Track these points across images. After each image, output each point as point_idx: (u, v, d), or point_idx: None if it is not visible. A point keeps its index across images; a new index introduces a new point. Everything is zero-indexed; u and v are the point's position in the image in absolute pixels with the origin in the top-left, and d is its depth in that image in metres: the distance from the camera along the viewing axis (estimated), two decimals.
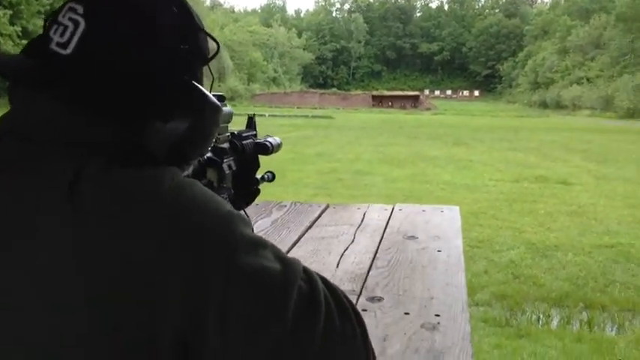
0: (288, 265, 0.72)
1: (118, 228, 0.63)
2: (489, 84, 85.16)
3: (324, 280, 0.77)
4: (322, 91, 62.72)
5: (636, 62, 47.23)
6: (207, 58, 0.80)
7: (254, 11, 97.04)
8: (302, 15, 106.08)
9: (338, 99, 54.42)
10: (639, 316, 4.40)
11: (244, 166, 1.20)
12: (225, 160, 1.10)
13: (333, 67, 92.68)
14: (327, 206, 1.95)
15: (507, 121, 33.94)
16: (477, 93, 78.53)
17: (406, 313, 1.04)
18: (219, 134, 1.09)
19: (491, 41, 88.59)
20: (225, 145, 1.11)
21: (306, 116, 32.20)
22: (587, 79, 52.35)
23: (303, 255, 1.40)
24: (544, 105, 54.99)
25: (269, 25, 75.91)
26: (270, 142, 1.27)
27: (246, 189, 1.24)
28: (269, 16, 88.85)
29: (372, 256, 1.41)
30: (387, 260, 1.36)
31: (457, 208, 1.88)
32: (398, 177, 10.71)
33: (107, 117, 0.70)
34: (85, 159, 0.67)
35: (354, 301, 0.78)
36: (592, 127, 29.08)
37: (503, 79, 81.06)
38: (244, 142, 1.20)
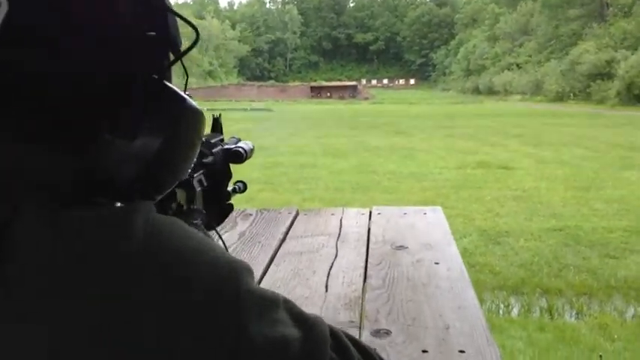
0: (311, 330, 0.53)
1: (61, 314, 0.42)
2: (424, 72, 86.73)
3: (355, 342, 0.58)
4: (260, 83, 62.03)
5: (562, 47, 49.15)
6: (179, 48, 0.59)
7: (185, 3, 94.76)
8: (235, 7, 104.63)
9: (276, 91, 53.99)
10: (595, 300, 4.45)
11: (215, 180, 0.98)
12: (195, 176, 0.89)
13: (270, 59, 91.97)
14: (298, 213, 1.75)
15: (443, 107, 34.63)
16: (412, 81, 79.85)
17: (424, 351, 0.86)
18: None
19: (424, 30, 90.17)
20: None
21: (245, 109, 31.73)
22: (517, 65, 54.11)
23: (284, 277, 1.21)
24: (477, 91, 56.48)
25: (202, 18, 74.30)
26: (242, 148, 1.06)
27: (217, 206, 1.02)
28: (202, 8, 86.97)
29: (362, 272, 1.23)
30: (382, 278, 1.18)
31: (440, 208, 1.72)
32: (343, 169, 10.62)
33: (42, 137, 0.48)
34: (14, 197, 0.45)
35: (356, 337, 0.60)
36: (524, 111, 30.06)
37: (437, 67, 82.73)
38: (214, 150, 0.99)
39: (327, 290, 1.14)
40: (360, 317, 1.00)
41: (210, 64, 64.89)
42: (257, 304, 0.49)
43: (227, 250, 0.92)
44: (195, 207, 0.87)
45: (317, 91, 53.62)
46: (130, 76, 0.51)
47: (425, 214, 1.68)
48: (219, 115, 1.12)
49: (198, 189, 0.89)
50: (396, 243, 1.41)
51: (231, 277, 0.48)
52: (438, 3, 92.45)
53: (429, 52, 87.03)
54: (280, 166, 10.72)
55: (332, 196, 8.09)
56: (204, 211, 0.91)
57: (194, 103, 0.56)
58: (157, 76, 0.53)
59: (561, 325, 3.93)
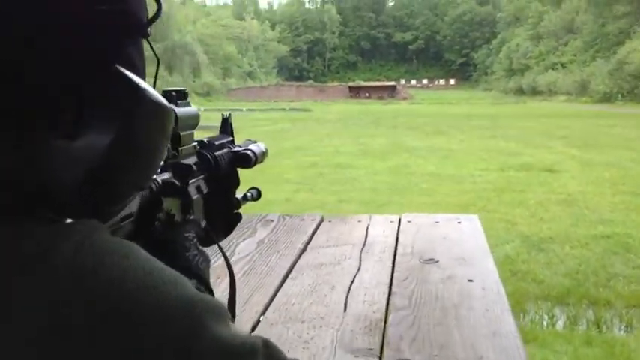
0: None
1: None
2: (465, 72, 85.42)
3: None
4: (298, 83, 62.15)
5: (609, 46, 47.66)
6: (143, 24, 0.48)
7: (226, 5, 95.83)
8: (274, 7, 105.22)
9: (315, 91, 53.98)
10: None
11: (220, 186, 0.88)
12: (191, 182, 0.78)
13: (309, 59, 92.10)
14: (322, 220, 1.64)
15: (485, 108, 33.98)
16: (452, 81, 78.72)
17: None
18: (181, 145, 0.77)
19: (465, 29, 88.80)
20: (191, 161, 0.79)
21: (284, 109, 31.82)
22: (562, 65, 52.72)
23: (300, 292, 1.10)
24: (520, 91, 55.26)
25: (241, 19, 74.94)
26: (252, 151, 0.95)
27: (223, 216, 0.92)
28: (241, 9, 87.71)
29: (386, 290, 1.11)
30: (407, 297, 1.06)
31: (476, 217, 1.58)
32: (380, 170, 10.46)
33: None
34: None
35: None
36: (569, 112, 29.22)
37: (478, 66, 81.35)
38: (218, 153, 0.88)
39: (345, 309, 1.02)
40: (381, 344, 0.89)
41: (250, 64, 65.42)
42: (226, 355, 0.38)
43: (230, 268, 0.81)
44: (191, 218, 0.77)
45: (355, 91, 53.39)
46: (70, 58, 0.40)
47: (459, 223, 1.55)
48: (229, 115, 1.01)
49: (196, 196, 0.79)
50: (426, 255, 1.29)
51: (186, 321, 0.37)
52: (479, 1, 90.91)
53: (470, 52, 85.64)
54: (317, 166, 10.64)
55: (368, 197, 7.95)
56: (202, 223, 0.80)
57: (156, 95, 0.45)
58: (107, 59, 0.42)
59: (609, 338, 3.70)
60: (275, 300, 1.08)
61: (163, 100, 0.46)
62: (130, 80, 0.43)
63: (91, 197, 0.42)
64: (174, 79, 42.14)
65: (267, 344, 0.43)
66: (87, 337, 0.35)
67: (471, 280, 1.14)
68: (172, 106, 0.49)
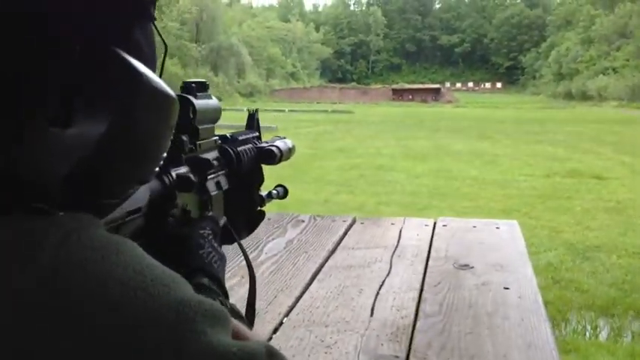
0: None
1: None
2: (512, 76, 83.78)
3: None
4: (341, 85, 62.09)
5: None
6: (147, 6, 0.45)
7: (272, 6, 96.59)
8: (320, 9, 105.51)
9: (358, 93, 53.84)
10: None
11: (242, 183, 0.85)
12: (210, 177, 0.76)
13: (352, 61, 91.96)
14: (354, 221, 1.59)
15: (532, 113, 33.24)
16: (499, 85, 77.26)
17: None
18: (200, 139, 0.74)
19: (513, 32, 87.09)
20: (211, 155, 0.76)
21: (326, 111, 31.85)
22: (613, 69, 51.19)
23: (326, 295, 1.06)
24: (569, 96, 53.85)
25: (287, 20, 75.42)
26: (277, 147, 0.92)
27: (246, 213, 0.89)
28: (287, 11, 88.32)
29: (416, 295, 1.06)
30: (438, 303, 1.01)
31: (515, 222, 1.51)
32: (421, 172, 10.33)
33: None
34: None
35: None
36: (620, 117, 28.29)
37: (526, 70, 79.68)
38: (241, 148, 0.85)
39: (372, 314, 0.98)
40: (408, 352, 0.84)
41: (294, 66, 65.80)
42: None
43: (251, 268, 0.78)
44: (209, 214, 0.74)
45: (399, 94, 53.01)
46: (62, 39, 0.38)
47: (498, 228, 1.48)
48: (256, 110, 0.98)
49: (215, 192, 0.76)
50: (460, 261, 1.23)
51: (175, 325, 0.34)
52: (528, 4, 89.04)
53: (518, 55, 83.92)
54: (358, 168, 10.59)
55: (409, 200, 7.86)
56: (221, 220, 0.77)
57: (156, 80, 0.42)
58: (104, 40, 0.40)
59: None
60: (300, 302, 1.05)
61: (165, 87, 0.43)
62: (128, 64, 0.40)
63: (83, 188, 0.40)
64: (219, 79, 42.72)
65: (271, 353, 0.39)
66: (62, 341, 0.32)
67: (507, 288, 1.08)
68: (178, 95, 0.47)
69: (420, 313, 0.97)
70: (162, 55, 0.53)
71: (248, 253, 0.80)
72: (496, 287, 1.08)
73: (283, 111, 28.98)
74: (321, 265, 1.24)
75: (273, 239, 1.40)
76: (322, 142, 13.88)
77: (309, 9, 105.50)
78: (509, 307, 0.99)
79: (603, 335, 3.94)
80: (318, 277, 1.17)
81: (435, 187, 8.95)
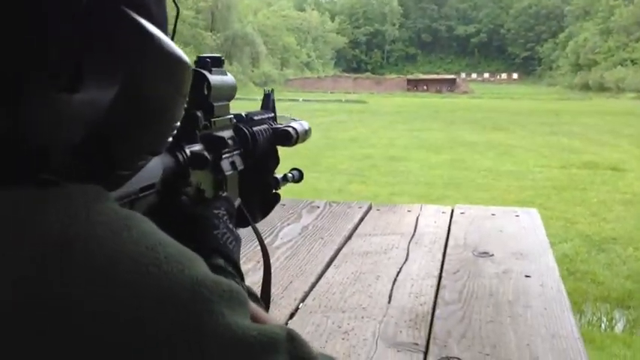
0: None
1: None
2: (528, 66, 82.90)
3: None
4: (356, 75, 61.82)
5: None
6: None
7: None
8: None
9: (372, 83, 53.59)
10: None
11: (257, 164, 0.83)
12: (225, 156, 0.73)
13: (367, 51, 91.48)
14: (370, 207, 1.57)
15: (548, 104, 32.91)
16: (515, 76, 76.46)
17: None
18: (214, 116, 0.72)
19: (531, 22, 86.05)
20: (226, 134, 0.74)
21: (340, 101, 31.77)
22: (632, 61, 50.48)
23: (343, 281, 1.04)
24: (586, 87, 53.21)
25: (302, 9, 75.12)
26: (293, 128, 0.89)
27: (261, 195, 0.87)
28: (302, 0, 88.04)
29: (435, 283, 1.04)
30: (458, 291, 0.98)
31: (535, 211, 1.48)
32: (435, 163, 10.28)
33: None
34: None
35: None
36: (638, 109, 27.89)
37: (543, 61, 78.80)
38: (257, 128, 0.83)
39: (390, 301, 0.96)
40: (427, 339, 0.82)
41: (308, 55, 65.60)
42: (238, 348, 0.33)
43: (265, 251, 0.76)
44: (223, 194, 0.72)
45: (413, 84, 52.69)
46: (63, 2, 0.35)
47: (517, 216, 1.45)
48: (272, 90, 0.96)
49: (230, 172, 0.74)
50: (479, 249, 1.20)
51: (191, 306, 0.32)
52: None
53: (535, 46, 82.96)
54: (371, 158, 10.55)
55: (422, 191, 7.81)
56: (236, 201, 0.75)
57: (169, 43, 0.40)
58: (114, 1, 0.37)
59: None
60: (316, 288, 1.03)
61: (178, 51, 0.41)
62: (138, 24, 0.38)
63: (93, 158, 0.38)
64: (234, 68, 42.70)
65: (292, 337, 0.37)
66: (64, 325, 0.30)
67: (528, 276, 1.05)
68: (190, 63, 0.44)
69: (439, 301, 0.95)
70: (174, 18, 0.50)
71: (263, 238, 0.78)
72: (517, 276, 1.06)
73: (297, 100, 28.91)
74: (337, 251, 1.22)
75: (288, 225, 1.38)
76: (335, 132, 13.83)
77: None
78: (531, 296, 0.96)
79: (619, 327, 3.90)
80: (334, 263, 1.15)
81: (449, 177, 8.90)
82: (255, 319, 0.38)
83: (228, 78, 0.73)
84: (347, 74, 62.93)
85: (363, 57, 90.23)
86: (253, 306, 0.42)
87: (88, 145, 0.37)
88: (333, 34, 77.21)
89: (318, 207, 1.54)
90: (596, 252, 5.40)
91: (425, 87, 51.27)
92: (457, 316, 0.89)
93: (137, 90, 0.38)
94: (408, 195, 7.44)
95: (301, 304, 0.95)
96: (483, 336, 0.82)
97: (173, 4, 0.49)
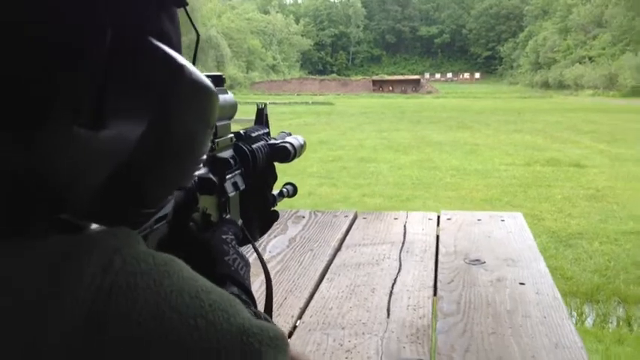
0: None
1: None
2: (490, 66, 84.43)
3: None
4: (322, 77, 61.90)
5: (638, 40, 46.69)
6: None
7: None
8: (299, 1, 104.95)
9: (338, 85, 53.76)
10: None
11: (256, 182, 0.81)
12: (228, 177, 0.71)
13: (332, 53, 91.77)
14: (356, 216, 1.55)
15: (510, 102, 33.55)
16: (477, 75, 77.77)
17: None
18: (218, 137, 0.69)
19: (491, 22, 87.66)
20: (228, 154, 0.72)
21: (307, 103, 31.78)
22: (590, 58, 51.87)
23: (339, 296, 1.02)
24: (546, 85, 54.44)
25: (266, 12, 74.90)
26: (290, 144, 0.87)
27: (260, 213, 0.84)
28: (266, 2, 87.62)
29: (431, 294, 1.03)
30: (455, 302, 0.98)
31: (520, 214, 1.49)
32: (404, 164, 10.37)
33: None
34: None
35: None
36: (596, 106, 28.70)
37: (504, 60, 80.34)
38: (255, 145, 0.81)
39: (388, 315, 0.94)
40: (431, 355, 0.81)
41: (274, 58, 65.46)
42: None
43: (267, 271, 0.74)
44: (228, 217, 0.69)
45: (379, 85, 53.06)
46: (87, 25, 0.33)
47: (503, 220, 1.46)
48: (264, 105, 0.94)
49: (232, 193, 0.71)
50: (471, 256, 1.20)
51: (240, 357, 0.30)
52: None
53: (496, 45, 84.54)
54: (340, 160, 10.59)
55: (392, 191, 7.87)
56: (239, 222, 0.73)
57: (197, 73, 0.38)
58: (137, 31, 0.35)
59: None
60: (312, 303, 1.01)
61: (206, 80, 0.38)
62: (166, 55, 0.35)
63: (120, 199, 0.35)
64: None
65: None
66: None
67: (522, 284, 1.05)
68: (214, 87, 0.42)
69: (438, 313, 0.94)
70: (195, 44, 0.48)
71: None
72: (511, 283, 1.06)
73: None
74: (329, 264, 1.20)
75: (275, 237, 1.36)
76: (304, 135, 13.73)
77: (289, 1, 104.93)
78: (528, 305, 0.96)
79: (589, 322, 3.98)
80: (327, 276, 1.13)
81: (417, 177, 8.98)
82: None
83: (229, 97, 0.71)
84: (313, 76, 62.97)
85: (329, 59, 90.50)
86: (294, 350, 0.40)
87: (115, 184, 0.34)
88: (298, 37, 77.19)
89: (303, 217, 1.52)
90: (564, 247, 5.51)
91: (390, 88, 51.70)
92: (458, 329, 0.88)
93: (167, 125, 0.35)
94: (379, 196, 7.48)
95: (299, 322, 0.93)
96: (487, 349, 0.81)
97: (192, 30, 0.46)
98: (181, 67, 0.36)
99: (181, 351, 0.29)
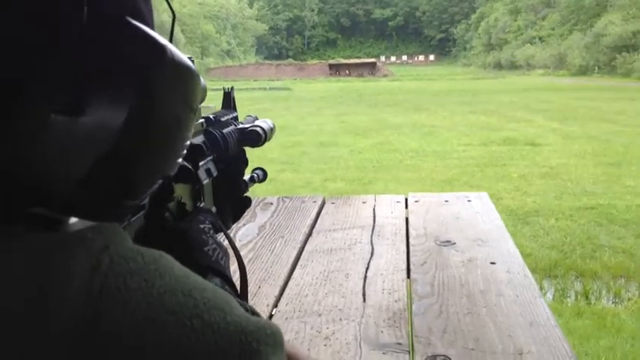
0: None
1: None
2: (444, 48, 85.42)
3: None
4: (278, 62, 61.46)
5: (586, 19, 47.94)
6: None
7: None
8: None
9: (295, 69, 53.50)
10: (633, 283, 4.22)
11: (228, 168, 0.79)
12: (201, 165, 0.69)
13: (288, 37, 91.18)
14: (324, 201, 1.55)
15: (465, 83, 34.08)
16: (432, 57, 78.62)
17: None
18: None
19: (444, 4, 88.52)
20: (199, 140, 0.70)
21: (264, 89, 31.52)
22: (540, 39, 53.05)
23: (313, 282, 1.01)
24: (499, 66, 55.46)
25: None
26: (261, 127, 0.85)
27: (232, 200, 0.83)
28: None
29: (404, 276, 1.03)
30: (429, 283, 0.98)
31: (486, 194, 1.51)
32: (364, 147, 10.43)
33: None
34: None
35: None
36: (547, 85, 29.44)
37: (458, 42, 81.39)
38: (226, 130, 0.78)
39: (364, 300, 0.94)
40: (409, 338, 0.81)
41: (229, 43, 64.56)
42: None
43: (241, 259, 0.72)
44: (202, 205, 0.67)
45: (336, 69, 53.03)
46: (60, 8, 0.30)
47: (469, 201, 1.47)
48: (232, 88, 0.92)
49: (206, 181, 0.69)
50: (441, 237, 1.21)
51: (239, 356, 0.29)
52: None
53: (449, 27, 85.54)
54: (300, 145, 10.57)
55: (354, 175, 7.91)
56: (214, 210, 0.71)
57: (179, 54, 0.35)
58: (113, 8, 0.33)
59: (599, 310, 3.72)
60: (286, 291, 1.00)
61: (188, 61, 0.36)
62: (148, 35, 0.33)
63: (104, 190, 0.33)
64: None
65: None
66: None
67: (493, 263, 1.07)
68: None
69: (414, 296, 0.94)
70: (171, 23, 0.45)
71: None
72: (482, 263, 1.07)
73: (220, 89, 28.40)
74: (301, 250, 1.19)
75: (244, 225, 1.34)
76: None
77: None
78: (500, 284, 0.97)
79: (549, 296, 4.10)
80: (300, 262, 1.12)
81: (378, 160, 9.05)
82: (291, 357, 0.36)
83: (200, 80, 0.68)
84: (269, 61, 62.42)
85: (284, 43, 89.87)
86: (288, 344, 0.39)
87: (98, 175, 0.32)
88: (252, 21, 76.26)
89: (272, 203, 1.51)
90: (522, 225, 5.65)
91: (347, 71, 51.75)
92: (434, 311, 0.88)
93: (151, 109, 0.33)
94: (341, 180, 7.50)
95: (274, 310, 0.92)
96: (464, 330, 0.82)
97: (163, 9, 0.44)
98: (163, 47, 0.34)
99: (178, 355, 0.27)
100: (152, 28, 0.38)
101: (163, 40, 0.34)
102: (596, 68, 37.71)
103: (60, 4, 0.30)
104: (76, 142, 0.31)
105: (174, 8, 0.52)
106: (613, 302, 3.96)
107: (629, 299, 3.94)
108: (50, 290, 0.27)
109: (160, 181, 0.53)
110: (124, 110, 0.32)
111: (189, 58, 0.66)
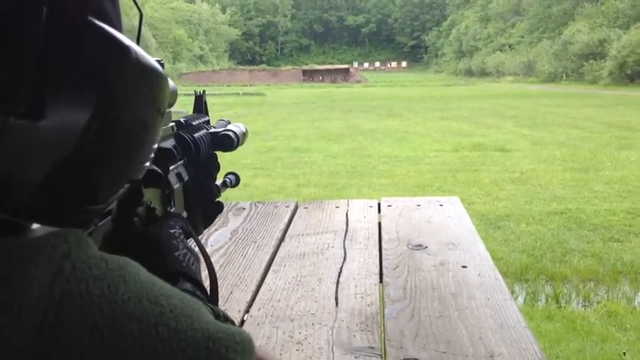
0: None
1: None
2: (416, 54, 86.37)
3: None
4: (251, 67, 61.29)
5: (554, 27, 48.97)
6: None
7: None
8: None
9: (268, 75, 53.42)
10: (602, 286, 4.30)
11: (199, 173, 0.78)
12: (172, 169, 0.68)
13: (261, 43, 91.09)
14: (297, 206, 1.54)
15: (436, 90, 34.44)
16: (404, 64, 79.43)
17: None
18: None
19: (416, 11, 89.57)
20: (169, 144, 0.69)
21: (237, 94, 31.40)
22: (509, 46, 54.00)
23: (285, 287, 1.01)
24: (470, 73, 56.25)
25: (191, 1, 73.24)
26: (233, 132, 0.85)
27: (203, 205, 0.81)
28: None
29: (377, 280, 1.03)
30: (401, 287, 0.98)
31: (457, 199, 1.52)
32: (337, 152, 10.46)
33: None
34: None
35: None
36: (517, 92, 29.93)
37: (429, 49, 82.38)
38: (197, 134, 0.77)
39: (337, 304, 0.94)
40: (382, 341, 0.81)
41: (201, 48, 64.17)
42: None
43: (211, 264, 0.71)
44: (173, 210, 0.66)
45: (309, 75, 53.14)
46: (21, 3, 0.30)
47: (441, 205, 1.48)
48: (203, 92, 0.91)
49: (177, 185, 0.68)
50: (413, 241, 1.22)
51: None
52: None
53: (421, 34, 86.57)
54: (274, 150, 10.55)
55: (327, 180, 7.92)
56: (185, 215, 0.70)
57: (144, 54, 0.35)
58: (76, 9, 0.32)
59: (569, 313, 3.78)
60: (259, 296, 0.99)
61: (154, 62, 0.36)
62: (111, 36, 0.32)
63: (66, 195, 0.32)
64: None
65: None
66: None
67: (464, 267, 1.08)
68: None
69: (386, 299, 0.94)
70: (138, 24, 0.45)
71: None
72: (454, 266, 1.08)
73: (192, 95, 28.21)
74: (273, 255, 1.18)
75: (216, 230, 1.32)
76: None
77: None
78: (471, 287, 0.98)
79: (520, 300, 4.15)
80: (272, 267, 1.12)
81: (351, 166, 9.08)
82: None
83: (170, 83, 0.67)
84: (242, 67, 62.22)
85: (258, 49, 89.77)
86: (260, 349, 0.39)
87: (59, 180, 0.31)
88: (225, 27, 75.95)
89: (244, 208, 1.50)
90: (493, 230, 5.71)
91: (320, 77, 51.88)
92: (406, 314, 0.89)
93: (114, 112, 0.32)
94: (314, 185, 7.50)
95: (246, 316, 0.91)
96: (436, 333, 0.82)
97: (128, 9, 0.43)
98: (127, 48, 0.33)
99: None
100: (120, 30, 0.38)
101: (128, 41, 0.33)
102: (565, 75, 38.51)
103: (17, 5, 0.29)
104: (35, 145, 0.30)
105: (143, 12, 0.51)
106: (583, 305, 4.03)
107: (598, 302, 4.01)
108: (10, 296, 0.26)
109: (127, 186, 0.52)
110: (85, 112, 0.31)
111: (159, 61, 0.66)
